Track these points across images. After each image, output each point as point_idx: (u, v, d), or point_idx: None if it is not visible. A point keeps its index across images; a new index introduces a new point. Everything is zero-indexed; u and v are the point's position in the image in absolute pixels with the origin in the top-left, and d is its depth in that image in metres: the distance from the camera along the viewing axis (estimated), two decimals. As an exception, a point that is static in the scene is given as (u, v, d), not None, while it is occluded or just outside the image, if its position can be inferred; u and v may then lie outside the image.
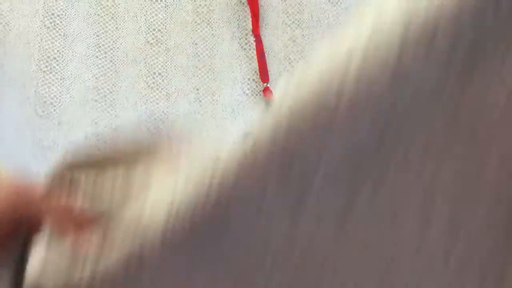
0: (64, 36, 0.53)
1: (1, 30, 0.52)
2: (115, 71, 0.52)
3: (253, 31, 0.52)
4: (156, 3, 0.53)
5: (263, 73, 0.52)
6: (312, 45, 0.53)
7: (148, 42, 0.52)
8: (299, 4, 0.54)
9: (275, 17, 0.54)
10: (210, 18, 0.53)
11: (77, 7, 0.53)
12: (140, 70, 0.51)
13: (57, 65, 0.52)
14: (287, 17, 0.54)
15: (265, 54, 0.53)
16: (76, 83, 0.52)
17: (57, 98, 0.52)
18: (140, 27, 0.52)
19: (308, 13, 0.54)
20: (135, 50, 0.52)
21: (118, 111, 0.51)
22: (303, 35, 0.54)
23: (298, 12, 0.54)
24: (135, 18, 0.52)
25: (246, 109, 0.52)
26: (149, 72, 0.51)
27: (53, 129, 0.51)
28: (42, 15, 0.53)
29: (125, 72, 0.52)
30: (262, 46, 0.52)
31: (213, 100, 0.51)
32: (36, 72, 0.52)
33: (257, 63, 0.52)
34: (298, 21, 0.54)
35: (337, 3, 0.54)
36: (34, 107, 0.52)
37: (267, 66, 0.52)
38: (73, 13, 0.53)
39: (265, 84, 0.52)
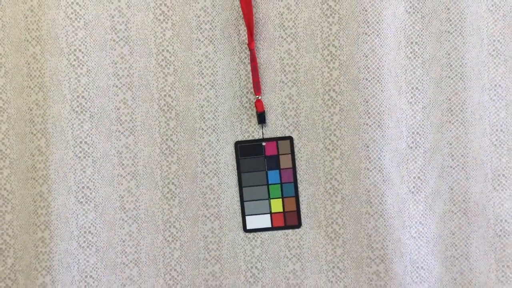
0: None
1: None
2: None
3: (248, 45, 0.55)
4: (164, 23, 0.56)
5: (256, 86, 0.55)
6: (305, 57, 0.55)
7: (159, 64, 0.56)
8: (294, 18, 0.56)
9: (272, 31, 0.56)
10: (213, 36, 0.56)
11: None
12: (153, 92, 0.56)
13: None
14: (283, 30, 0.56)
15: (262, 66, 0.56)
16: None
17: None
18: (151, 49, 0.56)
19: (303, 27, 0.56)
20: (148, 72, 0.56)
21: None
22: (297, 47, 0.56)
23: (293, 26, 0.56)
24: (145, 41, 0.56)
25: (243, 120, 0.56)
26: (160, 95, 0.56)
27: None
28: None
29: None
30: (256, 60, 0.55)
31: (215, 116, 0.55)
32: None
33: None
34: (294, 34, 0.56)
35: (330, 15, 0.56)
36: None
37: (260, 79, 0.56)
38: None
39: (257, 96, 0.55)
